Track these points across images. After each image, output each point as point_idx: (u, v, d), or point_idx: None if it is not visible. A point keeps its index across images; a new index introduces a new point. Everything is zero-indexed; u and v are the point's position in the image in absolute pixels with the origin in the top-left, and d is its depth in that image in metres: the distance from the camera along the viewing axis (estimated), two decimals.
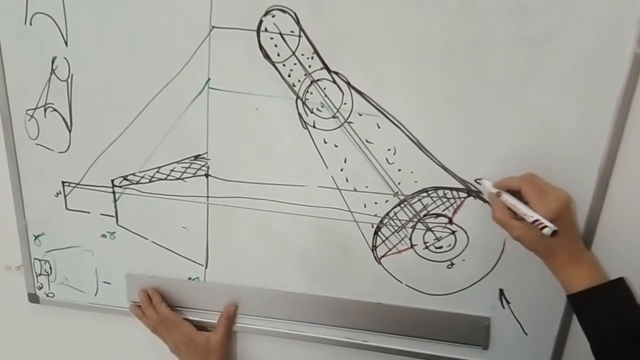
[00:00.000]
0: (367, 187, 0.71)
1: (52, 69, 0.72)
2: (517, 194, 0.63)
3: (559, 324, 0.73)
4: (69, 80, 0.73)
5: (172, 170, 0.75)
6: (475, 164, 0.68)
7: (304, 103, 0.69)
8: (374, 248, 0.74)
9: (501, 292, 0.74)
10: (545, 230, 0.58)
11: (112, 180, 0.77)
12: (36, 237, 0.84)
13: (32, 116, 0.76)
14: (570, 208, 0.62)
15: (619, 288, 0.62)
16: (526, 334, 0.75)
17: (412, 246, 0.73)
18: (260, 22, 0.66)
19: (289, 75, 0.68)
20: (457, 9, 0.62)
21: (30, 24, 0.70)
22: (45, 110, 0.75)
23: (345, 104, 0.68)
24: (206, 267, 0.80)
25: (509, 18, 0.61)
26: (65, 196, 0.80)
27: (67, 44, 0.71)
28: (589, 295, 0.60)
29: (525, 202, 0.62)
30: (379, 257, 0.74)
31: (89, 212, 0.80)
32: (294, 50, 0.66)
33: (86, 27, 0.70)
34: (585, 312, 0.62)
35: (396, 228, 0.73)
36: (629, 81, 0.61)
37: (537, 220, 0.59)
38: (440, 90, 0.65)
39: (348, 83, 0.67)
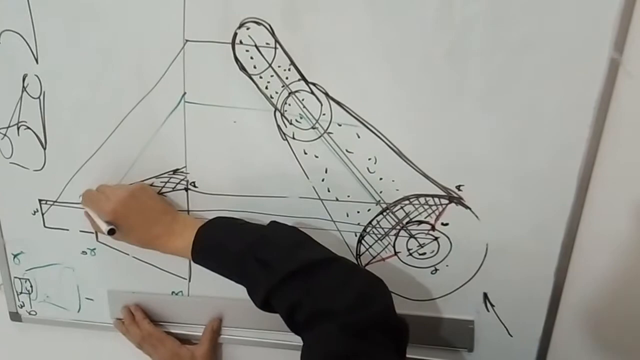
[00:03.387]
0: (349, 196, 0.71)
1: (23, 86, 0.71)
2: None
3: (543, 325, 0.74)
4: (41, 97, 0.71)
5: (151, 185, 0.74)
6: (455, 171, 0.68)
7: (282, 115, 0.68)
8: (358, 256, 0.74)
9: (485, 295, 0.74)
10: (103, 230, 0.64)
11: None
12: (15, 256, 0.83)
13: (5, 135, 0.74)
14: (129, 201, 0.66)
15: (212, 223, 0.66)
16: (511, 336, 0.76)
17: (395, 253, 0.73)
18: (235, 34, 0.65)
19: (266, 87, 0.67)
20: (433, 18, 0.61)
21: None
22: (18, 128, 0.73)
23: (324, 114, 0.67)
24: (189, 281, 0.80)
25: (485, 26, 0.61)
26: (42, 214, 0.79)
27: (37, 61, 0.69)
28: (196, 248, 0.64)
29: None
30: (364, 265, 0.74)
31: (68, 230, 0.79)
32: (270, 62, 0.66)
33: (57, 43, 0.68)
34: (210, 260, 0.65)
35: (379, 236, 0.73)
36: (605, 86, 0.62)
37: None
38: (419, 98, 0.65)
39: (326, 94, 0.66)
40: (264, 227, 0.67)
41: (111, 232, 0.64)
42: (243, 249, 0.61)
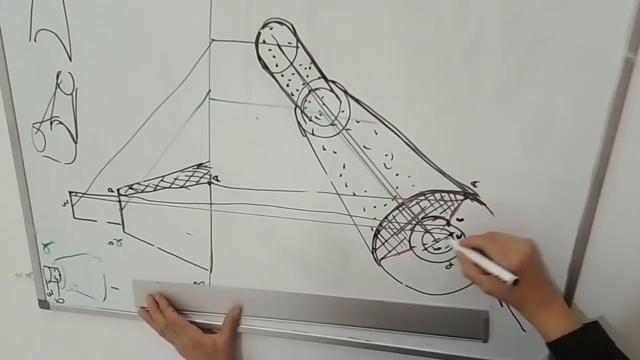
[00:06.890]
0: (365, 191, 0.73)
1: (57, 83, 0.74)
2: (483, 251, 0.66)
3: None
4: (74, 93, 0.74)
5: (175, 179, 0.77)
6: (470, 167, 0.69)
7: (302, 111, 0.70)
8: (373, 250, 0.76)
9: None
10: (507, 280, 0.61)
11: (118, 189, 0.79)
12: (45, 246, 0.86)
13: (38, 129, 0.77)
14: (533, 258, 0.64)
15: (594, 332, 0.63)
16: (524, 331, 0.76)
17: (411, 248, 0.75)
18: (259, 34, 0.67)
19: (288, 85, 0.69)
20: (450, 16, 0.63)
21: (35, 41, 0.72)
22: (51, 123, 0.77)
23: (342, 111, 0.69)
24: (211, 272, 0.82)
25: (501, 24, 0.62)
26: (72, 205, 0.82)
27: (70, 59, 0.72)
28: (566, 342, 0.62)
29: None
30: (379, 259, 0.76)
31: (95, 221, 0.82)
32: (291, 60, 0.68)
33: (89, 42, 0.72)
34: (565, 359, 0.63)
35: (395, 231, 0.74)
36: (620, 85, 0.62)
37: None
38: (435, 96, 0.67)
39: (345, 91, 0.68)
40: None
41: (515, 282, 0.62)
42: None
